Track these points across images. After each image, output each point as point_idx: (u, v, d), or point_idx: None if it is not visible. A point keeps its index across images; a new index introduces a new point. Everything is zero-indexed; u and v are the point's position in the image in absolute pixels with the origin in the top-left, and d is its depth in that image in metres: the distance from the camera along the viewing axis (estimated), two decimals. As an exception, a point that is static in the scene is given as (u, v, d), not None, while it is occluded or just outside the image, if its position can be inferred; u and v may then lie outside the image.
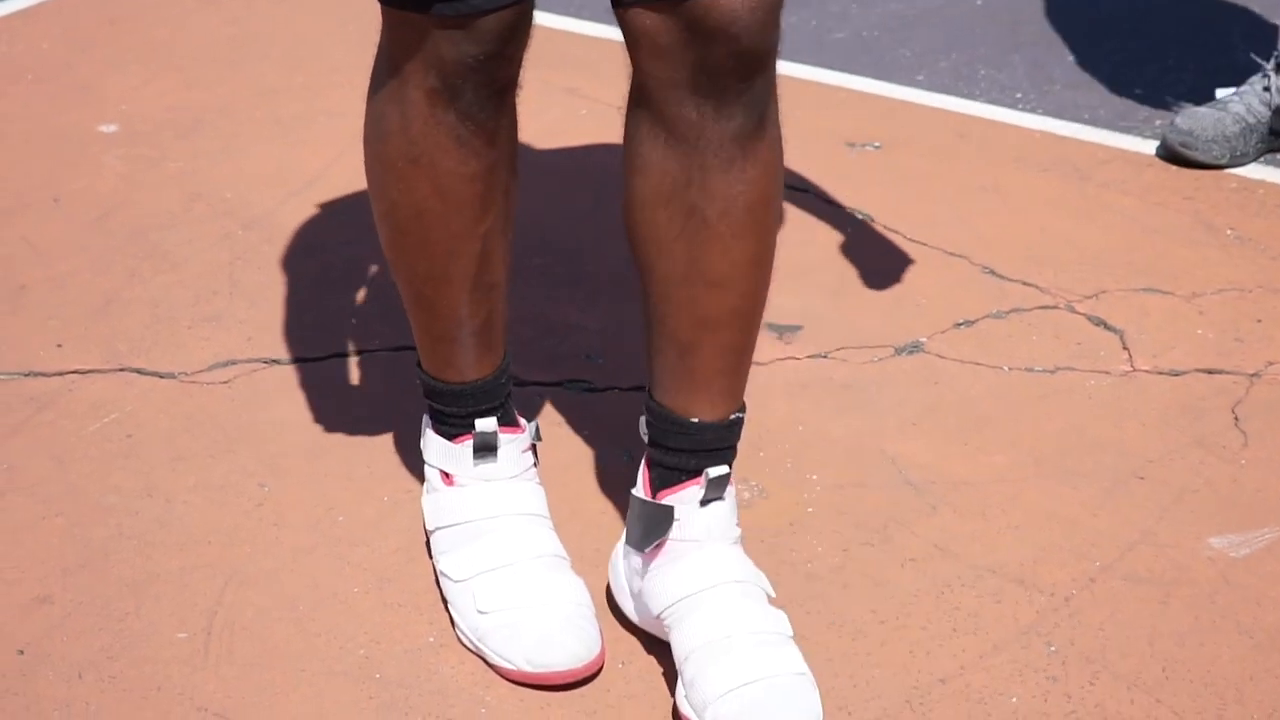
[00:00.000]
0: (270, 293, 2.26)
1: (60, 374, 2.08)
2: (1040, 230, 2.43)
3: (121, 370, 2.09)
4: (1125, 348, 2.15)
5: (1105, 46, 3.12)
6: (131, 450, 1.94)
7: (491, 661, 1.61)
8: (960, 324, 2.20)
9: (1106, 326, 2.19)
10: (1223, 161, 2.62)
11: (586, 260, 2.35)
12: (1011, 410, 2.02)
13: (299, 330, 2.17)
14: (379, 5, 1.49)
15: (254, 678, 1.61)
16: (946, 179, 2.58)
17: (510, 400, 1.71)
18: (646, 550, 1.60)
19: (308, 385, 2.06)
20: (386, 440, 1.95)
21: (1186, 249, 2.38)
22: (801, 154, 2.64)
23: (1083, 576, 1.75)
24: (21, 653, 1.64)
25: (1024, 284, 2.29)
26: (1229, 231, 2.43)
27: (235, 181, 2.57)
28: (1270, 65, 2.69)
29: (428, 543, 1.75)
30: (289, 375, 2.08)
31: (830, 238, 2.40)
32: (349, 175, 2.58)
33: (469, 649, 1.64)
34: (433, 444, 1.71)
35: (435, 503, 1.71)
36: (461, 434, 1.68)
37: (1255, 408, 2.02)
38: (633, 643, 1.66)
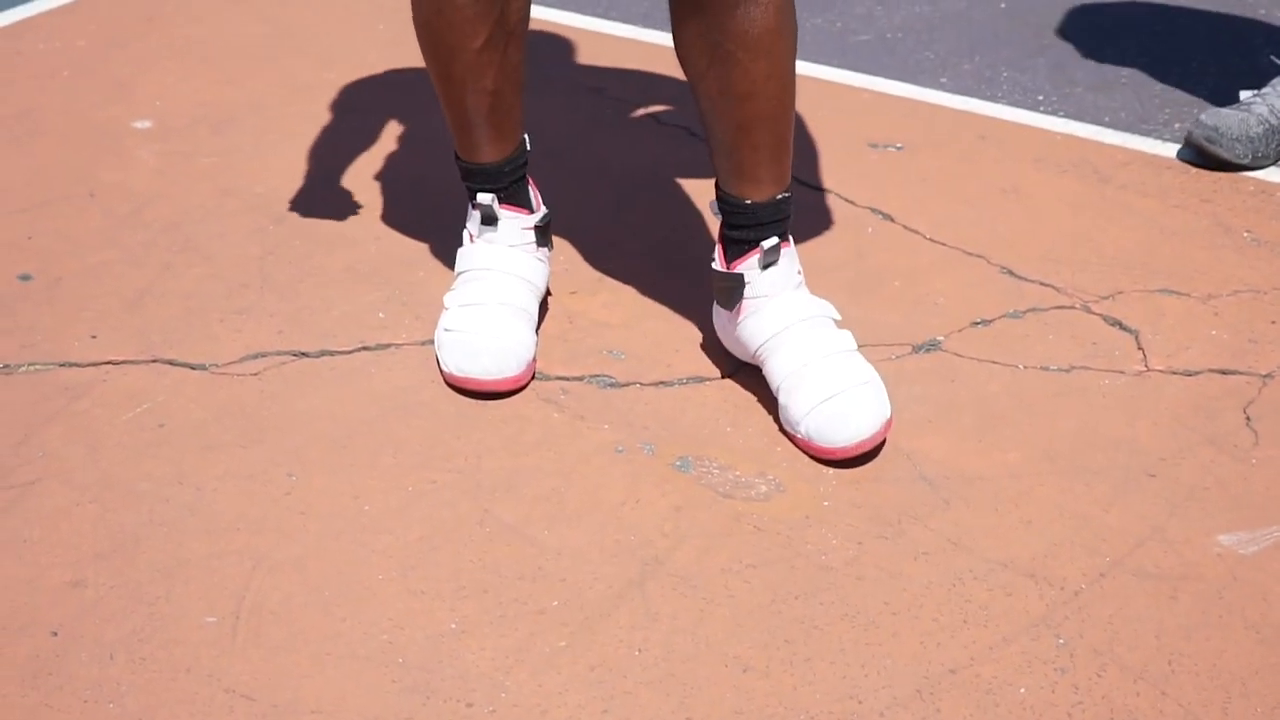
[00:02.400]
0: (300, 286, 2.30)
1: (95, 364, 2.13)
2: (1059, 231, 2.46)
3: (154, 361, 2.14)
4: (1140, 348, 2.18)
5: (1128, 49, 3.14)
6: (163, 439, 1.98)
7: (441, 368, 2.07)
8: (977, 323, 2.23)
9: (1122, 327, 2.22)
10: (1245, 161, 2.64)
11: (610, 259, 2.38)
12: (1026, 408, 2.05)
13: (328, 323, 2.21)
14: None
15: (280, 661, 1.65)
16: (967, 180, 2.61)
17: (521, 186, 2.13)
18: (732, 310, 2.03)
19: (335, 377, 2.10)
20: (411, 432, 2.00)
21: (1203, 251, 2.41)
22: (824, 154, 2.68)
23: (1093, 571, 1.78)
24: (55, 634, 1.68)
25: (1041, 284, 2.32)
26: (1246, 234, 2.46)
27: (267, 176, 2.61)
28: (1291, 69, 2.72)
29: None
30: (317, 367, 2.12)
31: (851, 237, 2.44)
32: (379, 171, 2.62)
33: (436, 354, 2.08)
34: (469, 210, 2.15)
35: (459, 253, 2.16)
36: (474, 203, 2.14)
37: (1267, 408, 2.05)
38: (648, 631, 1.69)
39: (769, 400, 2.04)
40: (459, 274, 2.15)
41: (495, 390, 2.03)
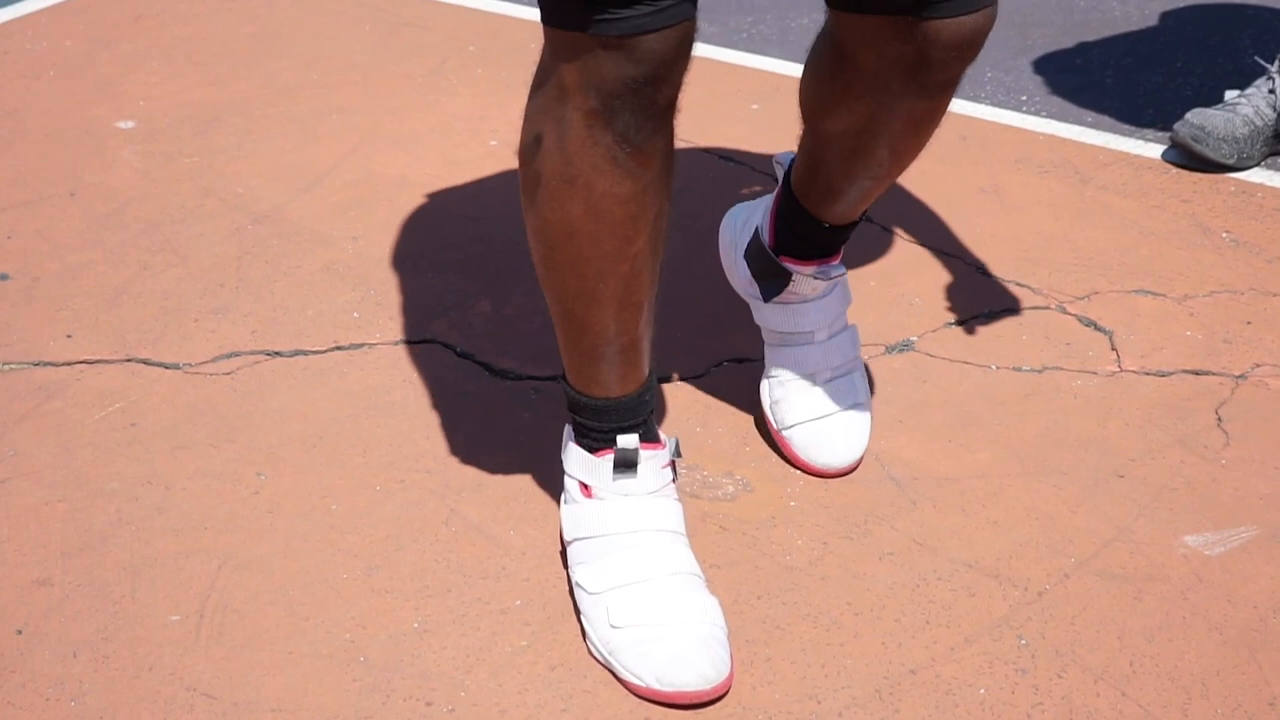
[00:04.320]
0: (276, 286, 2.31)
1: (69, 364, 2.13)
2: (1037, 231, 2.46)
3: (128, 361, 2.14)
4: (1114, 348, 2.18)
5: (1114, 50, 3.14)
6: (135, 438, 1.99)
7: (621, 676, 1.63)
8: (951, 323, 2.23)
9: (1096, 327, 2.22)
10: (1230, 161, 2.64)
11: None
12: (997, 408, 2.05)
13: (302, 323, 2.22)
14: (541, 25, 1.49)
15: (242, 659, 1.66)
16: (947, 180, 2.61)
17: (653, 417, 1.73)
18: (769, 299, 1.93)
19: (308, 377, 2.11)
20: (382, 432, 2.00)
21: (1181, 251, 2.41)
22: (805, 154, 2.68)
23: (1057, 572, 1.78)
24: (20, 632, 1.69)
25: (1018, 284, 2.32)
26: (1225, 234, 2.46)
27: (248, 177, 2.62)
28: (1275, 68, 2.71)
29: (563, 552, 1.78)
30: (290, 367, 2.13)
31: (828, 237, 2.44)
32: (359, 171, 2.63)
33: (598, 660, 1.66)
34: (573, 455, 1.72)
35: (574, 514, 1.72)
36: (602, 448, 1.69)
37: (1239, 409, 2.05)
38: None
39: (739, 401, 2.04)
40: (584, 540, 1.70)
41: (714, 698, 1.61)
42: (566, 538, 1.72)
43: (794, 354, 1.96)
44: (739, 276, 2.00)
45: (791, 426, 1.94)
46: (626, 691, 1.62)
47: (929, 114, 1.69)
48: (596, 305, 1.60)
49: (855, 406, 1.95)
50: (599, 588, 1.66)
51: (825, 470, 1.92)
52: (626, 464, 1.68)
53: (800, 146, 1.84)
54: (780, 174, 1.93)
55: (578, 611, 1.70)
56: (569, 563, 1.73)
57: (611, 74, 1.45)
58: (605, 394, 1.67)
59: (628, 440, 1.67)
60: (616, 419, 1.68)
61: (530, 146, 1.57)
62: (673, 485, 1.73)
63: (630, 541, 1.67)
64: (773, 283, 1.92)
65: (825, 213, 1.85)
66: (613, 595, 1.65)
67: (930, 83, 1.64)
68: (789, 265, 1.90)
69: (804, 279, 1.90)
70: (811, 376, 1.95)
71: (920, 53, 1.60)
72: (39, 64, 3.05)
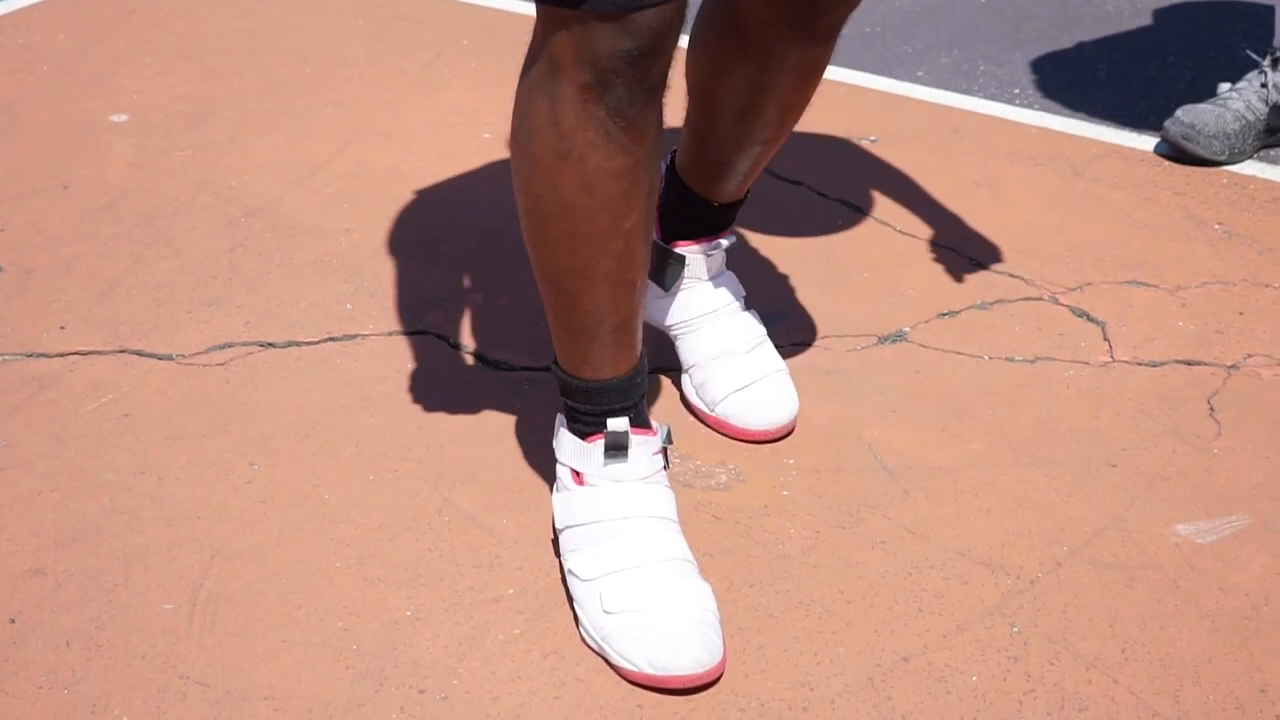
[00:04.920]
0: (269, 278, 2.31)
1: (62, 355, 2.13)
2: (1029, 224, 2.46)
3: (121, 352, 2.14)
4: (1106, 339, 2.18)
5: (1106, 44, 3.14)
6: (128, 429, 1.99)
7: (613, 662, 1.63)
8: (944, 314, 2.23)
9: (1089, 318, 2.22)
10: (1221, 158, 2.64)
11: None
12: (989, 399, 2.06)
13: (295, 314, 2.22)
14: (534, 5, 1.49)
15: (235, 648, 1.66)
16: (940, 173, 2.61)
17: (644, 401, 1.72)
18: (668, 290, 1.98)
19: (301, 368, 2.11)
20: (374, 422, 2.00)
21: (1174, 243, 2.41)
22: (797, 147, 2.68)
23: (1049, 560, 1.78)
24: (13, 621, 1.69)
25: (1010, 276, 2.32)
26: (1217, 226, 2.46)
27: (241, 170, 2.62)
28: (1266, 62, 2.71)
29: (555, 541, 1.77)
30: (284, 358, 2.13)
31: (821, 230, 2.44)
32: (353, 165, 2.63)
33: (591, 647, 1.65)
34: (565, 442, 1.72)
35: (565, 501, 1.71)
36: (594, 432, 1.69)
37: (1231, 398, 2.05)
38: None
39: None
40: (577, 527, 1.70)
41: (707, 682, 1.62)
42: (558, 525, 1.72)
43: (705, 336, 1.99)
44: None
45: (723, 400, 1.96)
46: (619, 679, 1.62)
47: (816, 63, 1.77)
48: (589, 283, 1.60)
49: (777, 371, 1.99)
50: (592, 574, 1.66)
51: (767, 432, 1.95)
52: (617, 447, 1.68)
53: (687, 126, 1.89)
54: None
55: (570, 599, 1.70)
56: (561, 550, 1.73)
57: (606, 47, 1.46)
58: (596, 376, 1.67)
59: (618, 423, 1.67)
60: (608, 401, 1.67)
61: (522, 125, 1.57)
62: (664, 473, 1.72)
63: (623, 528, 1.67)
64: (669, 270, 1.97)
65: (715, 191, 1.92)
66: (606, 581, 1.65)
67: (819, 29, 1.72)
68: (681, 249, 1.96)
69: (698, 259, 1.97)
70: (728, 353, 1.98)
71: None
72: (32, 58, 3.04)
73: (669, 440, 1.73)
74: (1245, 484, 1.90)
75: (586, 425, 1.69)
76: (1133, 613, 1.71)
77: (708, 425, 1.99)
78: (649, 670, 1.59)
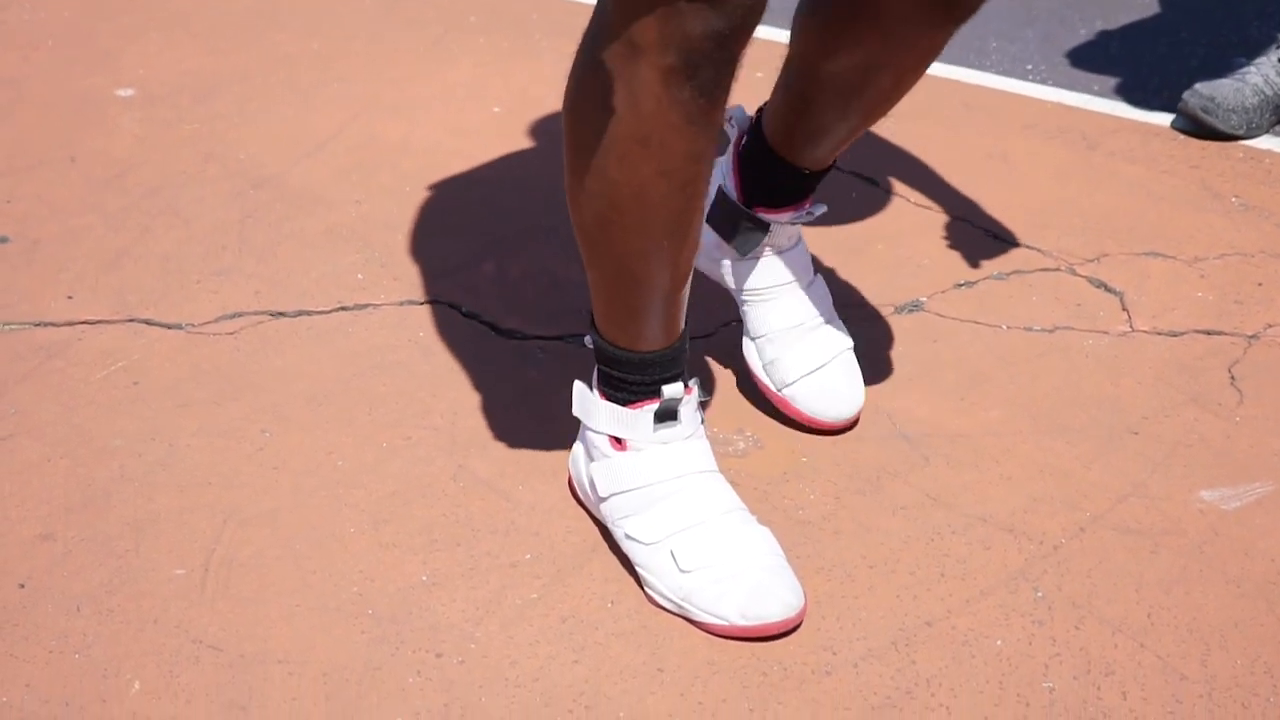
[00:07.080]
0: (279, 249, 2.28)
1: (70, 324, 2.11)
2: (1045, 196, 2.44)
3: (130, 321, 2.12)
4: (1125, 309, 2.16)
5: (1119, 20, 3.12)
6: (137, 397, 1.97)
7: (697, 619, 1.61)
8: (961, 284, 2.21)
9: (1107, 288, 2.20)
10: (1239, 132, 2.63)
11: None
12: (1008, 367, 2.03)
13: (305, 284, 2.20)
14: None
15: (248, 612, 1.63)
16: (955, 147, 2.59)
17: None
18: (746, 254, 1.89)
19: (313, 336, 2.08)
20: (387, 389, 1.98)
21: (1191, 215, 2.39)
22: (810, 121, 2.66)
23: (1073, 526, 1.76)
24: (23, 586, 1.67)
25: (1027, 247, 2.30)
26: (1234, 199, 2.44)
27: (249, 143, 2.59)
28: (1281, 37, 2.70)
29: (585, 507, 1.76)
30: (295, 327, 2.11)
31: (837, 202, 2.42)
32: (360, 138, 2.61)
33: (667, 609, 1.63)
34: (601, 410, 1.69)
35: (610, 468, 1.69)
36: (639, 400, 1.67)
37: (1252, 367, 2.03)
38: (621, 584, 1.67)
39: (748, 358, 2.03)
40: (626, 493, 1.68)
41: (797, 625, 1.62)
42: (603, 493, 1.69)
43: (779, 307, 1.93)
44: (703, 241, 1.89)
45: (793, 383, 1.91)
46: (639, 643, 1.60)
47: (942, 44, 1.69)
48: (658, 262, 1.56)
49: (847, 350, 1.93)
50: (655, 537, 1.64)
51: (835, 424, 1.90)
52: (669, 414, 1.66)
53: (784, 93, 1.79)
54: (733, 132, 1.89)
55: (632, 564, 1.67)
56: (610, 518, 1.70)
57: (696, 28, 1.40)
58: (650, 347, 1.64)
59: (673, 389, 1.65)
60: (661, 370, 1.65)
61: (588, 111, 1.50)
62: (703, 427, 1.71)
63: (677, 487, 1.66)
64: (749, 237, 1.88)
65: (805, 158, 1.82)
66: (675, 540, 1.64)
67: (959, 12, 1.63)
68: (765, 216, 1.87)
69: (781, 228, 1.88)
70: (801, 326, 1.92)
71: None
72: (37, 34, 3.02)
73: (705, 393, 1.71)
74: (1269, 451, 1.88)
75: (631, 394, 1.67)
76: (1158, 578, 1.69)
77: (769, 401, 1.94)
78: (741, 622, 1.59)
